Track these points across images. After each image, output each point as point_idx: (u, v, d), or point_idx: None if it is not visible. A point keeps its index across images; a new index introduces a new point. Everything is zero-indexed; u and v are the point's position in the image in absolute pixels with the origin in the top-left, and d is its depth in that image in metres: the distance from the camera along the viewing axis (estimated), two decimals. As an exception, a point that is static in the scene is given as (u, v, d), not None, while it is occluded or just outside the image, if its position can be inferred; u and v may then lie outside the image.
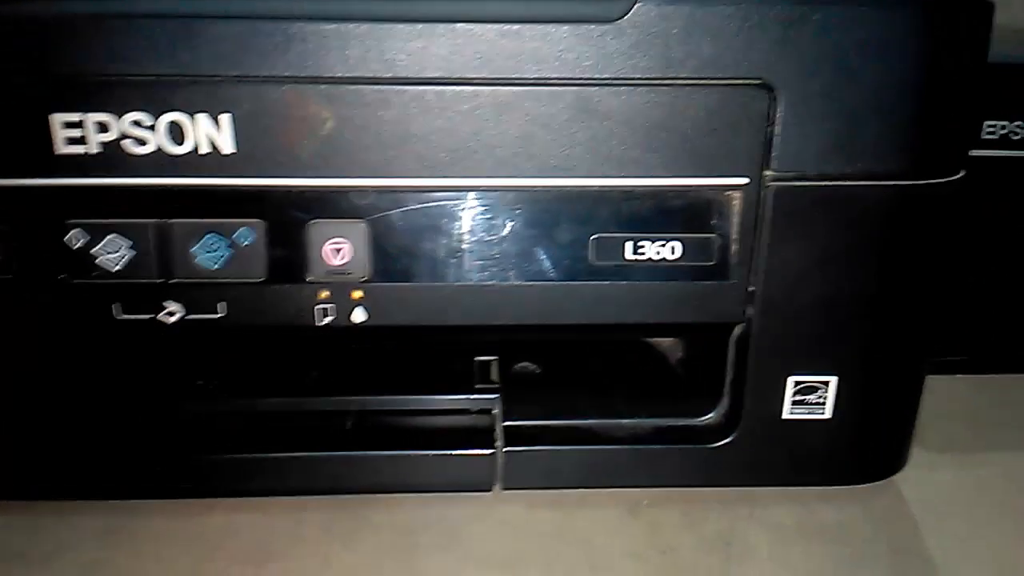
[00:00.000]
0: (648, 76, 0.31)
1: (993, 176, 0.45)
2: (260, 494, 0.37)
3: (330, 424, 0.38)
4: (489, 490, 0.39)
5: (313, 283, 0.33)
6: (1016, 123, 0.45)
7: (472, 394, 0.40)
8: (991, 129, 0.45)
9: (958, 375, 0.49)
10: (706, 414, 0.38)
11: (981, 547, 0.37)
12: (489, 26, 0.30)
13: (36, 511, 0.37)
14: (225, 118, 0.30)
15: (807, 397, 0.36)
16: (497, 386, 0.40)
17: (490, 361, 0.43)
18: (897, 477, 0.40)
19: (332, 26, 0.30)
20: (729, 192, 0.33)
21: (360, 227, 0.33)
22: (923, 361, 0.37)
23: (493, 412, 0.39)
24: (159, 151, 0.30)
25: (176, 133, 0.30)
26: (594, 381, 0.42)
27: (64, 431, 0.36)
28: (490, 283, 0.34)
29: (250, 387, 0.39)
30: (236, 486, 0.37)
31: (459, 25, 0.30)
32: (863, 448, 0.38)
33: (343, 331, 0.34)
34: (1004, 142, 0.46)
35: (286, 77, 0.30)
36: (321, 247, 0.33)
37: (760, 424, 0.36)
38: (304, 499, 0.38)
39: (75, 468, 0.36)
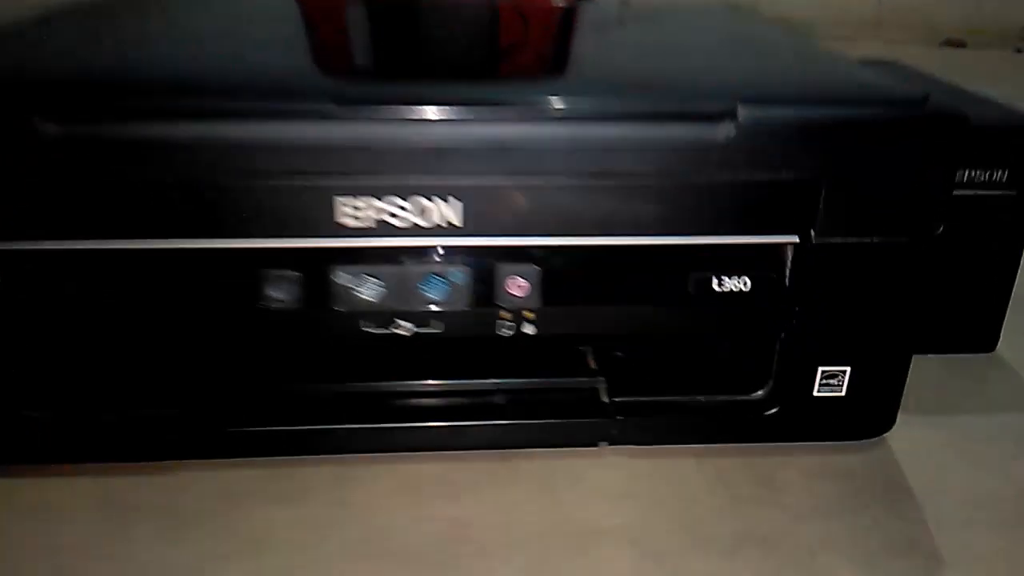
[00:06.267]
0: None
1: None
2: (442, 449, 0.52)
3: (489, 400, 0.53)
4: (598, 445, 0.54)
5: (500, 308, 0.48)
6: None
7: (585, 377, 0.55)
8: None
9: (929, 355, 0.66)
10: (756, 392, 0.54)
11: (941, 479, 0.53)
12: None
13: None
14: (456, 203, 0.45)
15: (830, 381, 0.52)
16: (601, 370, 0.55)
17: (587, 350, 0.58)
18: (887, 434, 0.56)
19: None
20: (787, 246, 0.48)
21: (534, 270, 0.47)
22: (909, 354, 0.53)
23: (600, 390, 0.54)
24: (413, 224, 0.45)
25: (423, 212, 0.45)
26: (669, 367, 0.58)
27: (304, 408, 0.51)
28: (620, 306, 0.49)
29: (432, 373, 0.53)
30: (427, 444, 0.52)
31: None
32: (865, 415, 0.54)
33: (518, 340, 0.49)
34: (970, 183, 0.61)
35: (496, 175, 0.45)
36: (505, 283, 0.48)
37: (798, 399, 0.52)
38: (467, 453, 0.54)
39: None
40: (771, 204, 0.47)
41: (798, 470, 0.53)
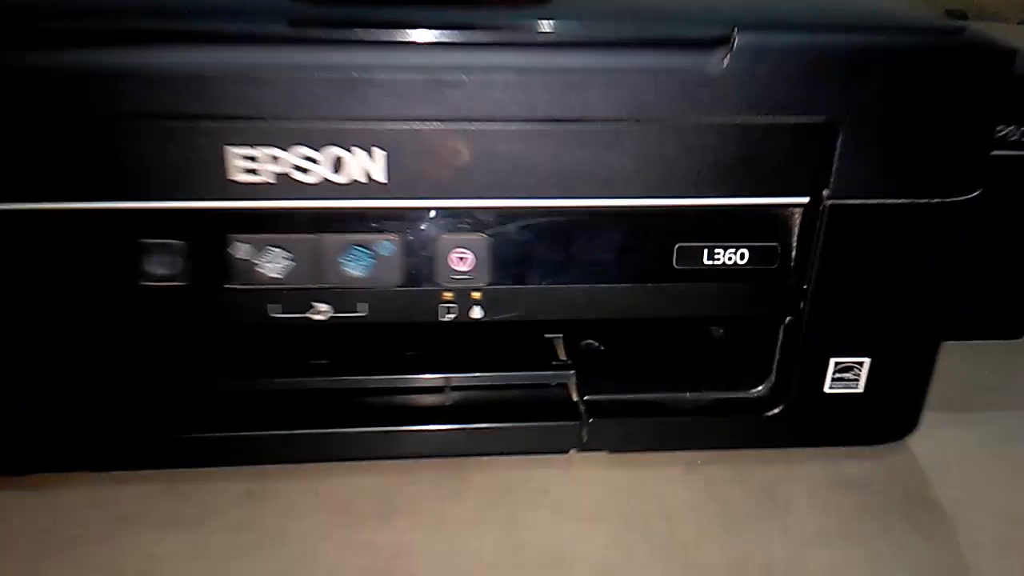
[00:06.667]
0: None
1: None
2: (378, 458, 0.44)
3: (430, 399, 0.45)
4: (567, 452, 0.46)
5: (440, 287, 0.39)
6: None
7: (551, 370, 0.46)
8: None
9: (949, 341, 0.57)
10: (755, 389, 0.45)
11: (974, 491, 0.45)
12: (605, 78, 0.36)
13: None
14: (380, 154, 0.36)
15: (844, 375, 0.43)
16: (571, 363, 0.47)
17: (556, 339, 0.49)
18: (910, 437, 0.48)
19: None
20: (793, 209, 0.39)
21: (481, 240, 0.38)
22: (938, 343, 0.45)
23: (570, 386, 0.46)
24: (325, 181, 0.36)
25: (337, 165, 0.36)
26: (651, 359, 0.49)
27: (210, 410, 0.42)
28: (589, 284, 0.40)
29: (366, 366, 0.45)
30: (360, 452, 0.43)
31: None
32: (885, 415, 0.46)
33: (462, 325, 0.40)
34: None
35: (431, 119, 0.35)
36: (448, 257, 0.39)
37: (806, 397, 0.44)
38: (405, 463, 0.45)
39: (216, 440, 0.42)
40: (775, 156, 0.38)
41: (806, 482, 0.46)
